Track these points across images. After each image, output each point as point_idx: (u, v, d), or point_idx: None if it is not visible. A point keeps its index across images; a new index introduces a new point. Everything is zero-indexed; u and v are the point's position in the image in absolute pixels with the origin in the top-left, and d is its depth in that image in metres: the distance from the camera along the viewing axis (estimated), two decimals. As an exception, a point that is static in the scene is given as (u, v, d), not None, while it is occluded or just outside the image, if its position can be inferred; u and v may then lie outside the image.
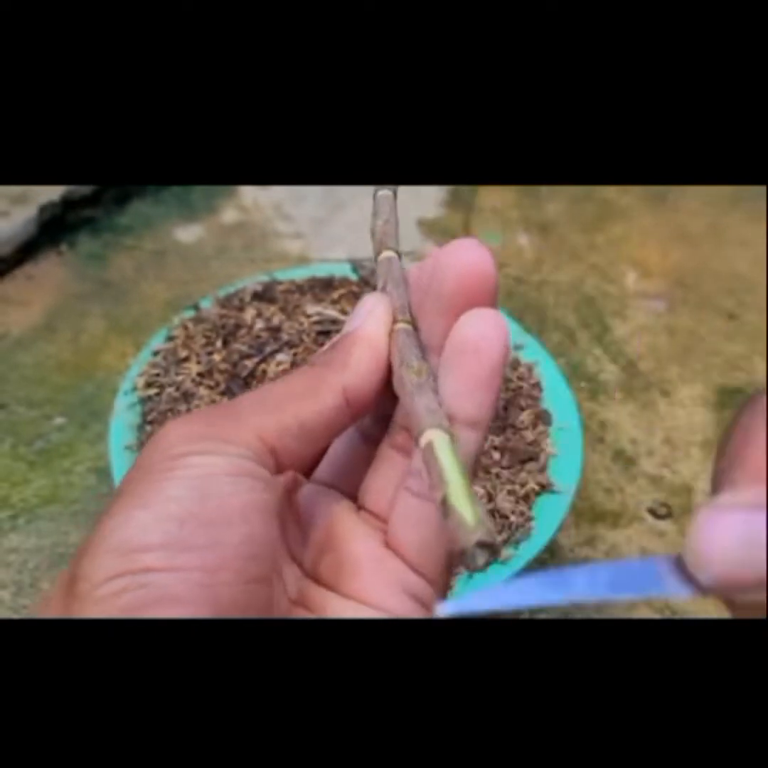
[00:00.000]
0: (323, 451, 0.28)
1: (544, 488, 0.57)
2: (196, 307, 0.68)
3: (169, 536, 0.21)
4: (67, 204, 0.82)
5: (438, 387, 0.24)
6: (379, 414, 0.27)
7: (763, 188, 0.85)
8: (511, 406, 0.62)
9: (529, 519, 0.56)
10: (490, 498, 0.56)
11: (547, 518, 0.56)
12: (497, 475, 0.58)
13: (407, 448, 0.26)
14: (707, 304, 0.82)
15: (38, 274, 0.80)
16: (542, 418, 0.62)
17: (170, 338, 0.65)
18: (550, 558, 0.62)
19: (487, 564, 0.21)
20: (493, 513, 0.55)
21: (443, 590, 0.26)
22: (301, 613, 0.25)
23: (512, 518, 0.55)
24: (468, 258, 0.24)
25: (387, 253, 0.28)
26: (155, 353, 0.64)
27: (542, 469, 0.58)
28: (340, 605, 0.25)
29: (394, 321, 0.27)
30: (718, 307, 0.82)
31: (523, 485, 0.57)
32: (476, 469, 0.25)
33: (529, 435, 0.60)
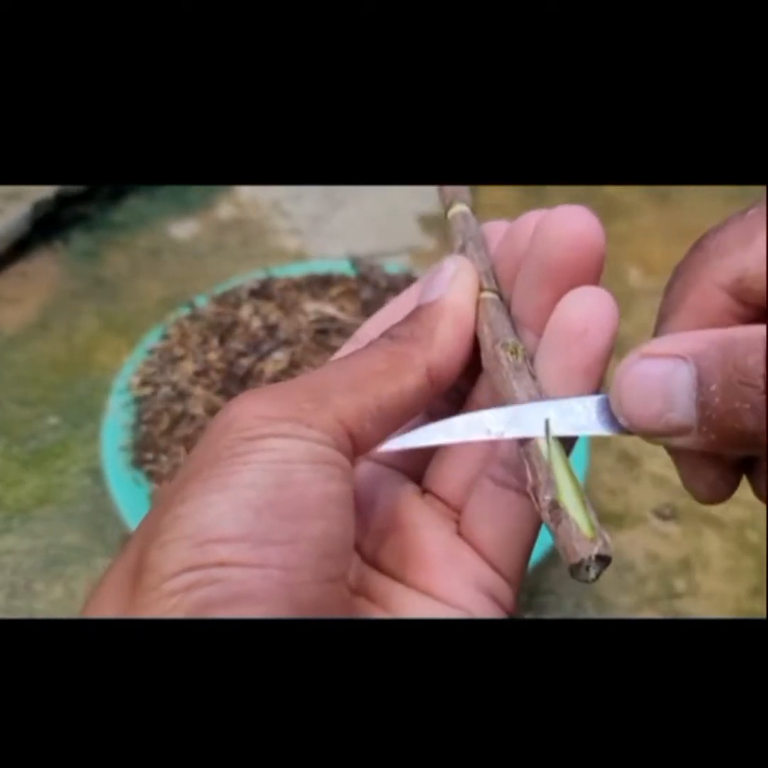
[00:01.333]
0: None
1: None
2: (191, 305, 0.67)
3: (248, 527, 0.19)
4: (61, 201, 0.81)
5: (535, 370, 0.22)
6: (450, 389, 0.25)
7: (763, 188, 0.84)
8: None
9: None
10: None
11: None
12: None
13: None
14: (712, 301, 0.81)
15: (32, 271, 0.80)
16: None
17: (165, 336, 0.65)
18: (553, 560, 0.61)
19: (598, 576, 0.20)
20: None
21: (517, 589, 0.24)
22: (361, 603, 0.23)
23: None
24: (578, 227, 0.22)
25: (459, 208, 0.25)
26: (150, 352, 0.64)
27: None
28: (406, 597, 0.23)
29: (480, 289, 0.24)
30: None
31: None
32: None
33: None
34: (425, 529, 0.24)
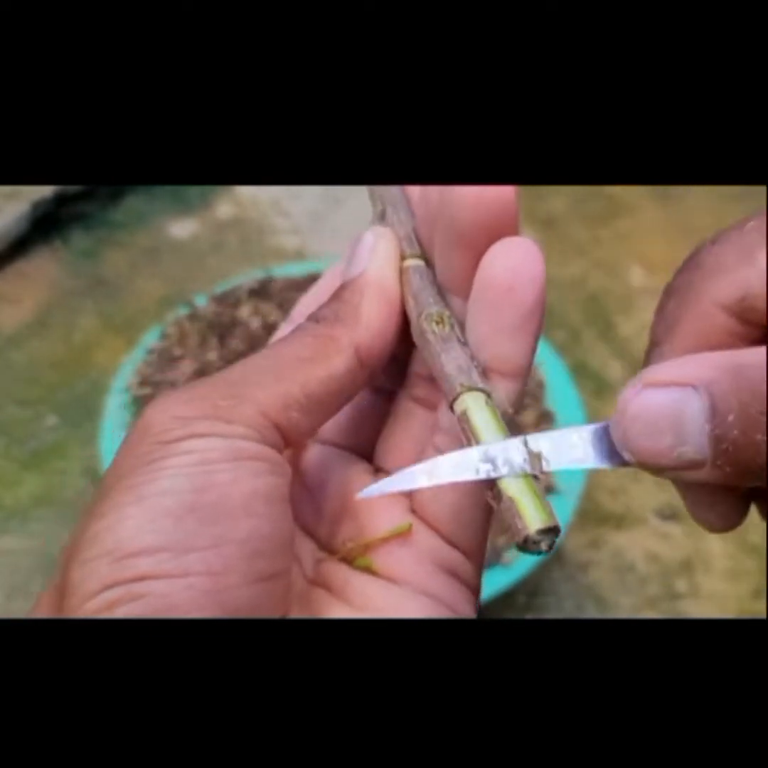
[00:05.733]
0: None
1: (548, 490, 0.56)
2: (190, 305, 0.67)
3: (166, 536, 0.19)
4: (60, 200, 0.81)
5: (466, 335, 0.21)
6: (389, 360, 0.24)
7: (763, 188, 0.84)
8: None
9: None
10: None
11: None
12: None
13: (430, 401, 0.23)
14: (714, 300, 0.81)
15: (31, 270, 0.80)
16: (545, 417, 0.61)
17: (164, 336, 0.65)
18: (554, 561, 0.61)
19: (551, 547, 0.19)
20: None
21: (480, 563, 0.23)
22: (320, 594, 0.22)
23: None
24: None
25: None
26: (149, 351, 0.64)
27: (545, 470, 0.57)
28: (364, 584, 0.22)
29: (402, 257, 0.23)
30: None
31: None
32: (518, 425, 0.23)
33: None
34: (377, 509, 0.23)
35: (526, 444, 0.20)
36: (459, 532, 0.22)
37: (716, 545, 0.63)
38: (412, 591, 0.22)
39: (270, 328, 0.63)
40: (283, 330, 0.25)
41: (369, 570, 0.22)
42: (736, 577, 0.62)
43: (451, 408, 0.21)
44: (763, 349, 0.19)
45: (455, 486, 0.21)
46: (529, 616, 0.59)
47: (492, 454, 0.20)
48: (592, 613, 0.60)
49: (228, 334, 0.64)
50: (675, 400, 0.19)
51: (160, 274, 0.80)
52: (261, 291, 0.67)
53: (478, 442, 0.20)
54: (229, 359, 0.62)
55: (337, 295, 0.23)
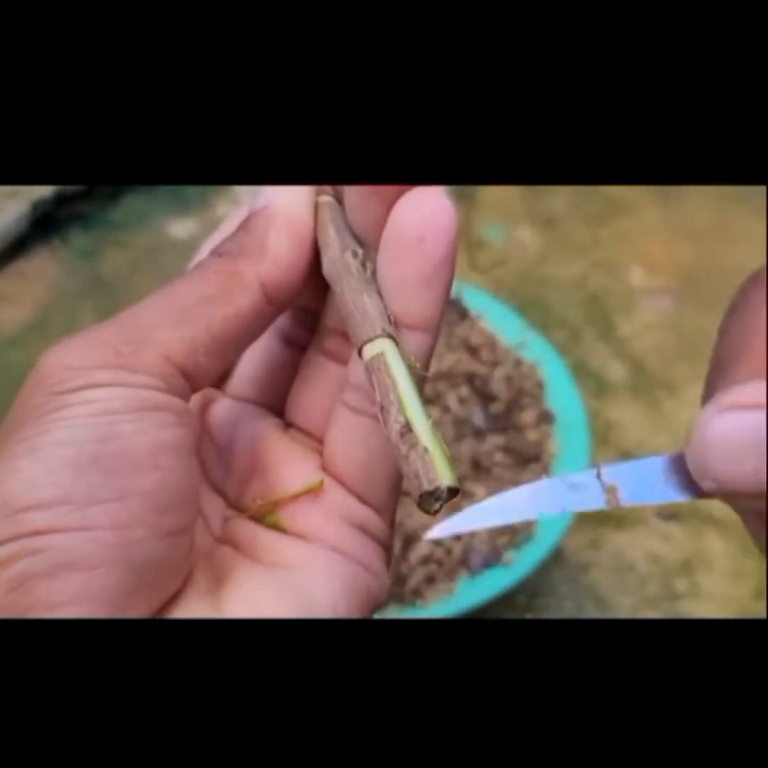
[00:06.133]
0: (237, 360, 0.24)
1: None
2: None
3: (66, 489, 0.18)
4: (60, 199, 0.81)
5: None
6: (301, 311, 0.23)
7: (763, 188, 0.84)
8: (514, 406, 0.61)
9: (533, 522, 0.55)
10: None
11: (551, 521, 0.55)
12: (499, 477, 0.57)
13: (340, 355, 0.22)
14: (714, 300, 0.81)
15: (30, 270, 0.80)
16: (545, 417, 0.61)
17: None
18: (554, 561, 0.61)
19: (441, 509, 0.19)
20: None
21: (392, 520, 0.23)
22: (227, 552, 0.22)
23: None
24: None
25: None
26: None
27: (545, 470, 0.57)
28: (273, 541, 0.22)
29: (317, 193, 0.22)
30: (726, 303, 0.81)
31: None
32: (425, 382, 0.21)
33: (532, 435, 0.60)
34: (289, 466, 0.22)
35: (599, 477, 0.20)
36: (369, 488, 0.22)
37: (717, 545, 0.63)
38: (321, 547, 0.22)
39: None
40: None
41: (278, 527, 0.22)
42: (737, 577, 0.62)
43: (360, 352, 0.20)
44: None
45: (366, 442, 0.21)
46: (529, 616, 0.59)
47: (566, 488, 0.19)
48: (592, 613, 0.59)
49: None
50: (757, 422, 0.18)
51: (159, 273, 0.80)
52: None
53: (391, 391, 0.19)
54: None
55: (242, 226, 0.22)
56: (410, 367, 0.20)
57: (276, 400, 0.24)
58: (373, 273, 0.21)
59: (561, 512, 0.19)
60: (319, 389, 0.23)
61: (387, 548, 0.23)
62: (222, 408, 0.24)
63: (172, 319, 0.20)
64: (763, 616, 0.58)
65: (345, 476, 0.22)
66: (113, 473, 0.18)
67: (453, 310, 0.65)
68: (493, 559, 0.54)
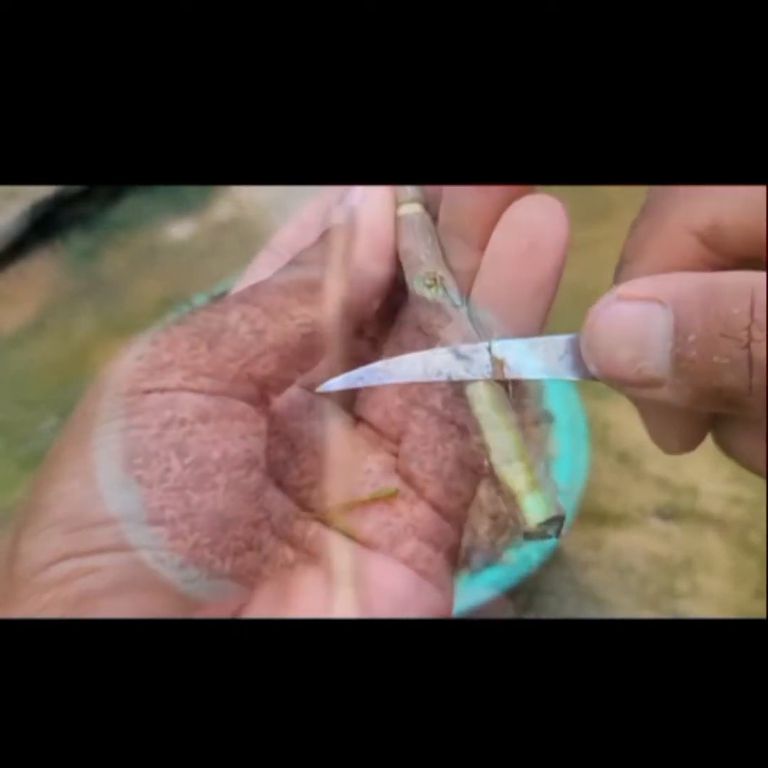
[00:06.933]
0: None
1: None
2: (190, 305, 0.67)
3: (128, 506, 0.17)
4: (60, 200, 0.81)
5: (475, 293, 0.20)
6: (374, 326, 0.23)
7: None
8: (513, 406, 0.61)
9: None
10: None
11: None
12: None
13: (416, 349, 0.21)
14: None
15: (30, 270, 0.80)
16: (544, 417, 0.61)
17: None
18: (554, 561, 0.61)
19: (558, 533, 0.19)
20: (494, 516, 0.54)
21: (461, 530, 0.22)
22: (287, 555, 0.21)
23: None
24: None
25: None
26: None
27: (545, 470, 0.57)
28: (341, 547, 0.21)
29: (397, 202, 0.22)
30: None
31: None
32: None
33: (531, 435, 0.60)
34: (359, 466, 0.21)
35: (490, 350, 0.20)
36: (445, 499, 0.21)
37: (716, 545, 0.63)
38: (390, 561, 0.21)
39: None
40: (261, 259, 0.24)
41: (348, 533, 0.21)
42: (737, 577, 0.62)
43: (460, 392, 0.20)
44: (736, 274, 0.18)
45: (444, 453, 0.21)
46: (528, 615, 0.59)
47: (454, 357, 0.20)
48: (592, 613, 0.59)
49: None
50: (642, 314, 0.18)
51: (159, 274, 0.80)
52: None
53: (476, 433, 0.20)
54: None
55: (324, 239, 0.21)
56: (509, 409, 0.20)
57: (345, 394, 0.23)
58: (447, 290, 0.21)
59: (447, 379, 0.20)
60: (392, 384, 0.22)
61: (455, 558, 0.22)
62: (288, 398, 0.22)
63: (247, 326, 0.20)
64: (763, 616, 0.58)
65: (421, 484, 0.21)
66: (176, 487, 0.18)
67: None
68: (492, 559, 0.54)
